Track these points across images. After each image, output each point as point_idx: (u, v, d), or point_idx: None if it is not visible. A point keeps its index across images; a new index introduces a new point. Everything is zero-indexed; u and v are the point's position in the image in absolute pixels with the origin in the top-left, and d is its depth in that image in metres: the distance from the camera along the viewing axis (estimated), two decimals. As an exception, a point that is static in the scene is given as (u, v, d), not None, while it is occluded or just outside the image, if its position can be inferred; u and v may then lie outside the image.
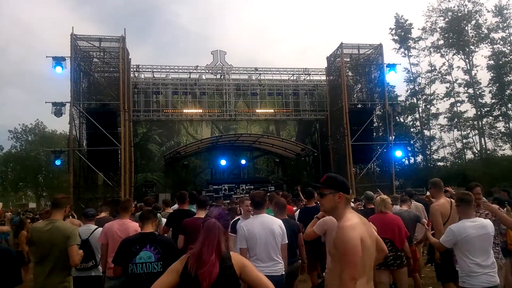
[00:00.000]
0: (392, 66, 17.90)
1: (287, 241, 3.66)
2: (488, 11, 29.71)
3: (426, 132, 31.16)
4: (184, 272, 1.95)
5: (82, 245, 4.35)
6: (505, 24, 29.16)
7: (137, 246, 3.10)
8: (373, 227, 3.45)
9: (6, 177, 35.55)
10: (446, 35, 30.30)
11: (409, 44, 31.51)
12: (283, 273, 3.56)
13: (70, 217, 6.68)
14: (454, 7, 30.32)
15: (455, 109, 30.60)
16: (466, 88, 30.32)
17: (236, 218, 5.07)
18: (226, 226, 2.07)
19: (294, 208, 6.83)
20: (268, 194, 4.97)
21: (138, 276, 3.05)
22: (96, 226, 4.56)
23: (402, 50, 31.61)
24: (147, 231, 3.28)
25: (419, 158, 32.17)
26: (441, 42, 30.62)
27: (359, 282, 2.03)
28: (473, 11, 29.62)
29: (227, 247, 2.04)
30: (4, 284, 1.93)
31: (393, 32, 31.77)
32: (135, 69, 19.52)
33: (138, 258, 3.07)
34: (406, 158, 31.40)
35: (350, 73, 18.77)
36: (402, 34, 31.48)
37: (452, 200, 4.80)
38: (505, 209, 5.16)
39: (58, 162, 15.34)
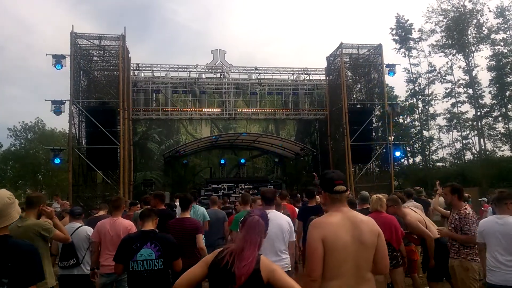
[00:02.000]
0: (391, 67, 17.94)
1: (294, 239, 3.72)
2: (490, 11, 29.72)
3: (425, 133, 31.22)
4: (214, 265, 1.92)
5: (65, 243, 4.34)
6: (506, 26, 29.17)
7: (137, 244, 3.12)
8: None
9: (5, 175, 35.49)
10: (447, 35, 30.32)
11: (409, 44, 31.54)
12: (289, 269, 3.60)
13: (66, 216, 6.70)
14: (453, 8, 30.33)
15: (455, 109, 30.66)
16: (466, 89, 30.38)
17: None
18: (267, 226, 2.05)
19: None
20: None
21: (139, 273, 3.07)
22: (80, 224, 4.58)
23: (402, 50, 31.65)
24: (148, 229, 3.30)
25: (418, 158, 32.24)
26: (442, 42, 30.64)
27: (333, 283, 2.00)
28: (474, 11, 29.60)
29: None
30: (28, 279, 1.96)
31: (394, 32, 31.81)
32: (135, 68, 19.52)
33: (139, 256, 3.09)
34: (405, 158, 31.49)
35: (349, 73, 18.80)
36: (403, 34, 31.51)
37: (410, 207, 5.00)
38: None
39: (57, 161, 15.36)
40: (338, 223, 2.06)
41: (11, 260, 1.93)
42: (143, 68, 20.05)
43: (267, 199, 3.88)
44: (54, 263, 4.33)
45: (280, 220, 3.63)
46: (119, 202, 4.44)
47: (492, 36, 29.38)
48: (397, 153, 18.02)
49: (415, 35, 31.76)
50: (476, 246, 3.77)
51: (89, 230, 4.49)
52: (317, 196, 6.98)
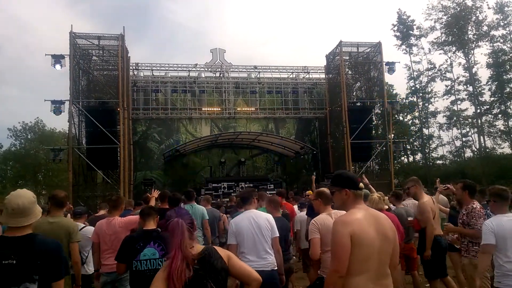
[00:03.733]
0: (391, 65, 17.93)
1: (277, 234, 3.62)
2: (489, 8, 29.68)
3: (425, 131, 31.23)
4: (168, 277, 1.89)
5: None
6: (505, 22, 29.12)
7: (140, 243, 3.13)
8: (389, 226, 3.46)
9: (6, 175, 35.48)
10: (447, 32, 30.29)
11: (410, 41, 31.48)
12: (274, 267, 3.52)
13: (69, 215, 6.73)
14: (454, 4, 30.27)
15: (455, 107, 30.66)
16: (466, 86, 30.37)
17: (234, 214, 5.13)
18: (190, 223, 2.03)
19: (295, 206, 6.88)
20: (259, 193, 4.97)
21: (142, 273, 3.07)
22: (83, 225, 4.60)
23: (403, 47, 31.59)
24: (149, 227, 3.30)
25: (418, 156, 32.27)
26: (442, 39, 30.62)
27: (358, 278, 2.04)
28: (473, 7, 29.55)
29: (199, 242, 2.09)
30: (55, 274, 2.11)
31: (396, 28, 31.72)
32: (134, 67, 19.50)
33: (142, 255, 3.09)
34: (405, 156, 31.51)
35: (349, 71, 18.80)
36: (404, 30, 31.44)
37: (431, 196, 4.90)
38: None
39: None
40: (364, 219, 2.11)
41: (40, 258, 2.05)
42: (143, 68, 20.05)
43: (243, 199, 3.86)
44: None
45: (258, 220, 3.57)
46: (116, 202, 4.43)
47: (492, 32, 29.36)
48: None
49: (416, 31, 31.75)
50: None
51: (92, 230, 4.50)
52: (310, 192, 7.02)
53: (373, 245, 2.07)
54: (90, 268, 4.45)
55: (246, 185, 16.93)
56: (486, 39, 29.43)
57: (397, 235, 2.28)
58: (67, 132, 16.78)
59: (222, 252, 2.05)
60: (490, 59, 28.91)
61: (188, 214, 2.14)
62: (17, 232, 2.10)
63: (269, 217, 3.70)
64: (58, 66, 15.09)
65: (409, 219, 5.13)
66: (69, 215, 6.57)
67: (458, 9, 29.80)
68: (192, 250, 1.94)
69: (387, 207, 4.64)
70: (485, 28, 29.44)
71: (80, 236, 3.68)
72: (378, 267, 2.09)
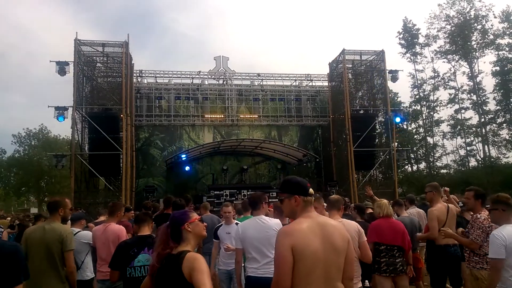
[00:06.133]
0: (394, 73, 17.89)
1: None
2: (495, 17, 29.70)
3: (429, 139, 31.04)
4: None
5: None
6: (511, 31, 29.09)
7: (134, 250, 3.07)
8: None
9: (9, 181, 35.61)
10: (450, 41, 30.30)
11: (415, 49, 31.50)
12: None
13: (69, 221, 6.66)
14: (457, 14, 30.34)
15: (459, 116, 30.49)
16: (470, 95, 30.24)
17: (219, 224, 5.05)
18: (172, 229, 2.19)
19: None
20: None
21: (136, 280, 3.00)
22: (79, 230, 4.54)
23: (408, 55, 31.62)
24: (144, 233, 3.24)
25: (422, 165, 32.03)
26: (445, 48, 30.61)
27: None
28: (480, 16, 29.58)
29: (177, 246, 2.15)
30: (12, 279, 1.99)
31: (401, 36, 31.78)
32: (138, 74, 19.62)
33: (137, 261, 3.03)
34: (409, 165, 31.28)
35: (352, 79, 18.77)
36: (409, 39, 31.49)
37: (449, 205, 4.73)
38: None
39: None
40: (307, 229, 1.98)
41: None
42: (146, 75, 20.16)
43: (252, 203, 3.80)
44: None
45: (265, 226, 3.53)
46: (113, 208, 4.40)
47: (497, 41, 29.31)
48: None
49: (421, 39, 31.81)
50: (482, 254, 3.60)
51: (87, 234, 4.44)
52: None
53: (317, 257, 1.93)
54: (87, 274, 4.36)
55: (248, 193, 16.81)
56: (492, 47, 29.38)
57: (351, 245, 2.11)
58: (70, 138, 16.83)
59: (188, 263, 1.99)
60: (496, 67, 28.81)
61: (176, 217, 2.24)
62: None
63: (277, 223, 3.63)
64: (62, 73, 15.19)
65: (418, 235, 5.03)
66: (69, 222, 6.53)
67: (462, 19, 29.85)
68: (173, 251, 2.11)
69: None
70: (491, 36, 29.43)
71: (74, 244, 3.60)
72: (325, 281, 1.95)
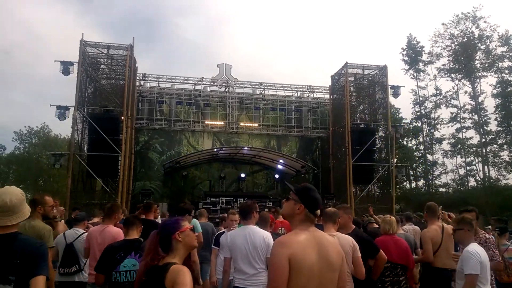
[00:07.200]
0: (396, 88, 17.96)
1: None
2: (500, 37, 29.88)
3: (429, 157, 30.96)
4: None
5: (66, 249, 4.27)
6: (511, 54, 29.29)
7: (121, 254, 3.02)
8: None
9: (7, 178, 35.51)
10: (454, 60, 30.46)
11: (418, 66, 31.67)
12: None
13: (62, 220, 6.62)
14: (462, 33, 30.56)
15: (460, 135, 30.47)
16: (471, 114, 30.28)
17: (221, 230, 5.00)
18: (161, 237, 2.14)
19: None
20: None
21: (121, 285, 2.96)
22: (84, 231, 4.49)
23: (411, 71, 31.76)
24: (132, 237, 3.20)
25: (421, 182, 31.89)
26: (449, 66, 30.76)
27: None
28: (484, 36, 29.79)
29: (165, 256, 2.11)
30: (35, 272, 1.97)
31: (405, 52, 31.98)
32: (141, 78, 19.72)
33: (122, 266, 2.98)
34: (407, 181, 31.14)
35: (354, 93, 18.83)
36: (413, 55, 31.69)
37: (444, 225, 4.69)
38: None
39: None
40: (305, 241, 1.95)
41: (20, 258, 1.92)
42: (149, 79, 20.26)
43: (242, 213, 3.77)
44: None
45: (254, 238, 3.48)
46: (110, 210, 4.33)
47: (498, 64, 29.48)
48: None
49: (424, 57, 32.00)
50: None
51: None
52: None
53: (313, 270, 1.89)
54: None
55: (244, 201, 16.72)
56: (492, 70, 29.55)
57: (345, 261, 2.08)
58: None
59: (171, 276, 1.95)
60: (497, 89, 28.92)
61: (167, 225, 2.20)
62: (1, 230, 1.99)
63: (267, 235, 3.57)
64: (66, 73, 15.29)
65: (414, 257, 5.01)
66: (62, 220, 6.48)
67: (466, 38, 30.07)
68: (160, 262, 2.07)
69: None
70: (493, 58, 29.62)
71: (52, 242, 3.54)
72: None
